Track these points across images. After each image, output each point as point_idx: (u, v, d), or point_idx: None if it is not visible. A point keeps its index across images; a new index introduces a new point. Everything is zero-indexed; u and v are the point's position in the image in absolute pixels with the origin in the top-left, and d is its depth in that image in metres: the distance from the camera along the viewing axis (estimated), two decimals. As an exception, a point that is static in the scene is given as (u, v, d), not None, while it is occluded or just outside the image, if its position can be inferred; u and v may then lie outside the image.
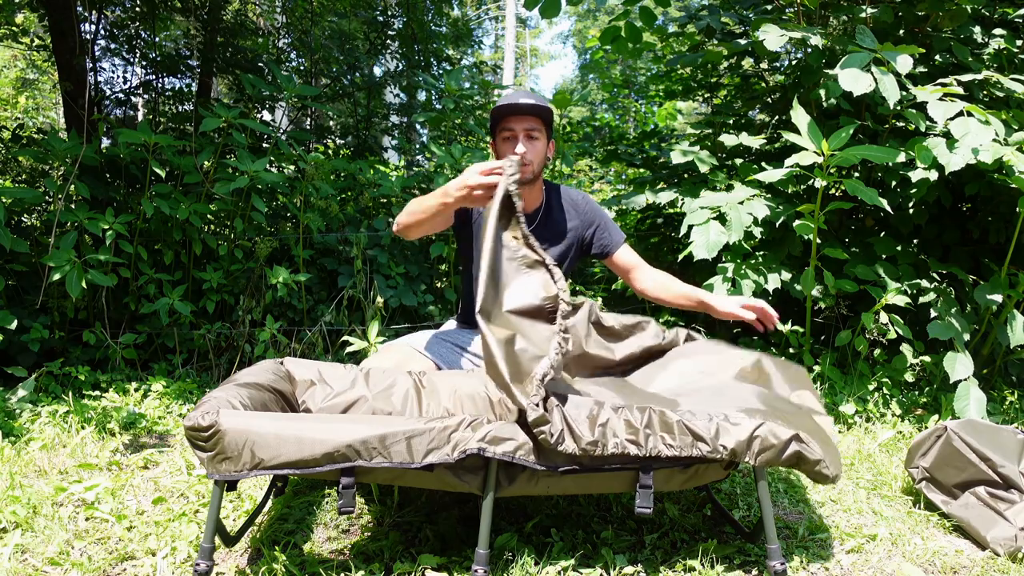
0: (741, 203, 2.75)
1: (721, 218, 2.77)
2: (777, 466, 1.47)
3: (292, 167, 3.81)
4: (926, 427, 2.60)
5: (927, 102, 2.50)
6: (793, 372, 1.82)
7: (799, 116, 2.62)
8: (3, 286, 2.83)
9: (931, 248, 3.23)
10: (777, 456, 1.45)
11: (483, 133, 4.56)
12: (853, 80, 2.41)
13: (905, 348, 2.91)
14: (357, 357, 3.21)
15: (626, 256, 2.23)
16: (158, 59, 5.03)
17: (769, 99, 3.82)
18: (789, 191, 3.26)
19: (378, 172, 3.75)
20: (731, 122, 3.91)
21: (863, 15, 2.99)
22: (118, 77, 5.82)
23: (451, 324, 2.32)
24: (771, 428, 1.45)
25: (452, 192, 1.70)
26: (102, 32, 4.88)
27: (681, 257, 3.05)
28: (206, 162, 3.29)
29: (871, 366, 3.01)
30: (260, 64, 5.39)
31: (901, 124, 3.17)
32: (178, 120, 4.62)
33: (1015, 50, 3.07)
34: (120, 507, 1.84)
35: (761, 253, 3.03)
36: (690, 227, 2.77)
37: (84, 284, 2.79)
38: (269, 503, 1.90)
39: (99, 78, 4.95)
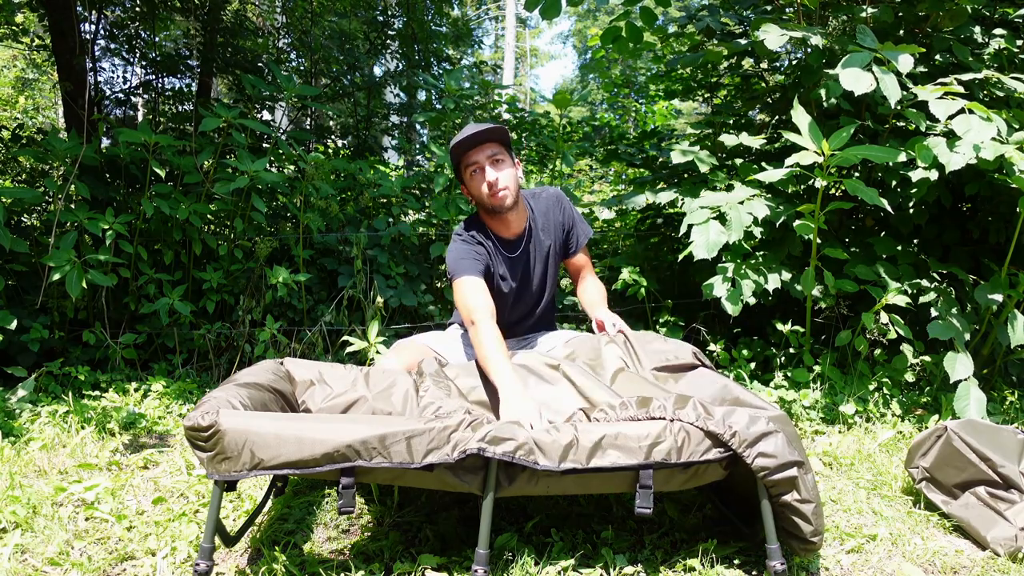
0: (741, 203, 2.75)
1: (721, 218, 2.76)
2: (767, 481, 1.45)
3: (292, 167, 3.81)
4: (926, 427, 2.60)
5: (927, 102, 2.50)
6: None
7: (799, 116, 2.62)
8: (3, 286, 2.83)
9: (931, 248, 3.23)
10: (774, 468, 1.43)
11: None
12: (854, 79, 2.41)
13: (905, 348, 2.91)
14: (357, 357, 3.21)
15: (581, 260, 2.36)
16: (158, 59, 5.04)
17: (769, 99, 3.82)
18: (789, 191, 3.26)
19: (378, 172, 3.75)
20: (731, 122, 3.90)
21: (863, 15, 2.98)
22: (118, 77, 5.83)
23: (456, 328, 2.32)
24: (783, 440, 1.45)
25: (501, 406, 1.67)
26: (102, 32, 4.89)
27: (681, 257, 3.05)
28: (206, 162, 3.29)
29: (871, 366, 3.01)
30: (260, 64, 5.39)
31: (901, 124, 3.16)
32: (178, 120, 4.63)
33: (1015, 50, 3.07)
34: (120, 507, 1.84)
35: (761, 253, 3.03)
36: (690, 227, 2.77)
37: (84, 284, 2.79)
38: (269, 503, 1.90)
39: (99, 78, 4.96)
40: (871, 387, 2.82)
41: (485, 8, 18.53)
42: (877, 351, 3.06)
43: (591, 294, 2.33)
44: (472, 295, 1.95)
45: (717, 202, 2.80)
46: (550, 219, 2.23)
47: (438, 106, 5.25)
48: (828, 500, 2.01)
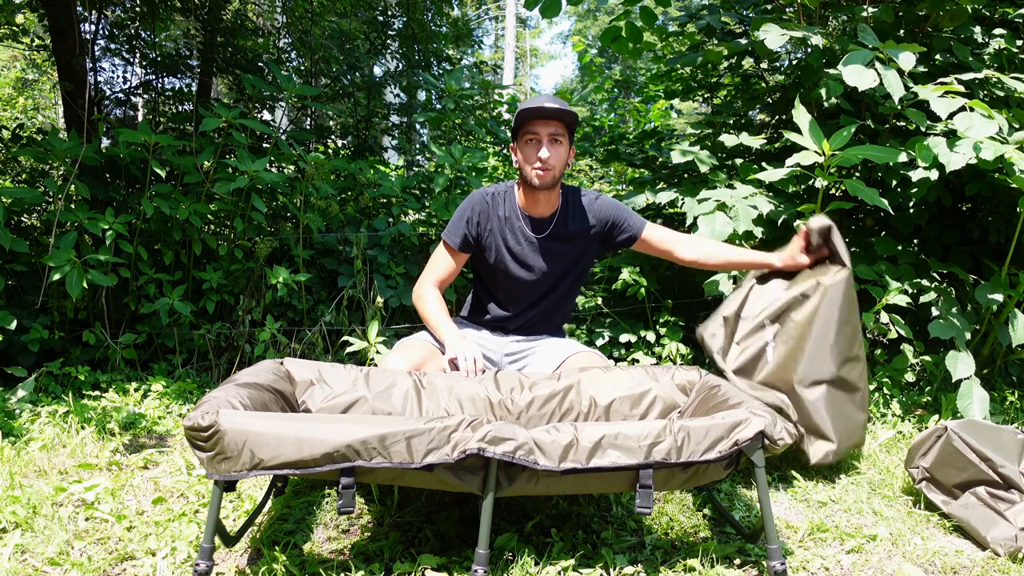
0: (744, 198, 2.75)
1: (725, 210, 2.75)
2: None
3: (292, 167, 3.81)
4: (926, 427, 2.60)
5: (927, 102, 2.50)
6: None
7: (800, 116, 2.61)
8: (3, 286, 2.83)
9: (931, 248, 3.23)
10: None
11: (483, 133, 4.55)
12: (858, 75, 2.40)
13: (906, 348, 2.91)
14: (357, 357, 3.21)
15: (657, 235, 2.24)
16: (158, 59, 5.03)
17: (769, 99, 3.82)
18: (790, 191, 3.26)
19: (378, 172, 3.75)
20: (731, 122, 3.90)
21: (863, 15, 2.98)
22: (118, 77, 5.84)
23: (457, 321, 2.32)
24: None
25: (447, 348, 2.06)
26: (102, 32, 4.88)
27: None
28: (206, 162, 3.29)
29: (871, 366, 3.01)
30: (260, 64, 5.39)
31: (901, 124, 3.16)
32: (178, 120, 4.62)
33: (1015, 50, 3.07)
34: (120, 507, 1.84)
35: (761, 253, 3.03)
36: (695, 219, 2.75)
37: (84, 284, 2.79)
38: (269, 503, 1.90)
39: (99, 78, 4.96)
40: (871, 387, 2.82)
41: (485, 8, 18.53)
42: (877, 351, 3.06)
43: (701, 246, 2.23)
44: (440, 259, 2.22)
45: (719, 197, 2.79)
46: (590, 212, 2.19)
47: (438, 106, 5.24)
48: (828, 500, 2.01)
